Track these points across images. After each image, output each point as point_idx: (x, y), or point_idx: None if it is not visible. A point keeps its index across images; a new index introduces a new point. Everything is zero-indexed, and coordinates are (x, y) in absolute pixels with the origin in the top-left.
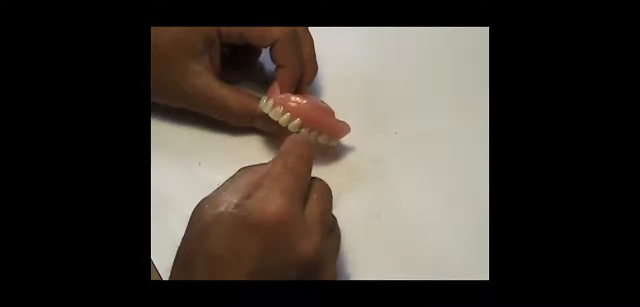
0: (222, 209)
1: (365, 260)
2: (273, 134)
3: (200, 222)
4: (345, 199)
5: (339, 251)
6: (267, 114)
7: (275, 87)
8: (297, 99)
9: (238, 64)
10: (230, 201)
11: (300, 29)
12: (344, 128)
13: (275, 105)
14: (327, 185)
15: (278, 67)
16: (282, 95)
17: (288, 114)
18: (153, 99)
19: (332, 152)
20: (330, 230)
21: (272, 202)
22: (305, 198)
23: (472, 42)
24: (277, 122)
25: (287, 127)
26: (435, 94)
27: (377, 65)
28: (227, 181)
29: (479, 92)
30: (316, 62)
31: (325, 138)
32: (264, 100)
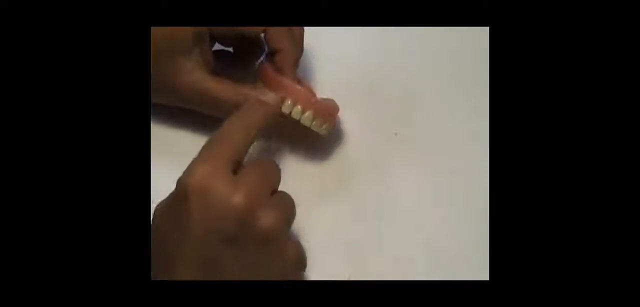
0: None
1: (365, 260)
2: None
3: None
4: (345, 199)
5: (286, 210)
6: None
7: (267, 68)
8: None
9: (240, 64)
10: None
11: None
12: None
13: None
14: (271, 162)
15: (275, 52)
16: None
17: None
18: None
19: (333, 151)
20: (274, 192)
21: (194, 170)
22: (237, 164)
23: (472, 42)
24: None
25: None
26: (435, 94)
27: (377, 65)
28: None
29: (479, 92)
30: (303, 44)
31: (327, 127)
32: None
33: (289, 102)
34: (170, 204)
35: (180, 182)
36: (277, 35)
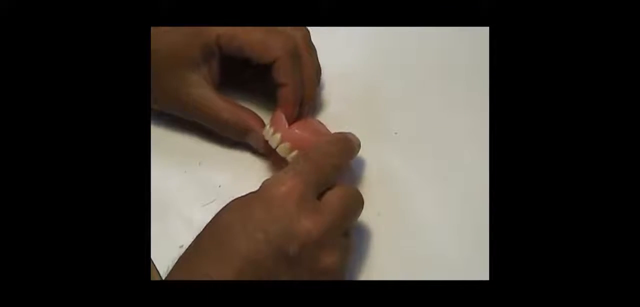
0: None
1: (365, 260)
2: (264, 153)
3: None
4: None
5: (348, 257)
6: (262, 135)
7: (279, 115)
8: (297, 130)
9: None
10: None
11: (302, 45)
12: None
13: (275, 132)
14: (358, 194)
15: (279, 85)
16: (287, 128)
17: (287, 143)
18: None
19: None
20: (346, 234)
21: (284, 180)
22: (323, 189)
23: (472, 42)
24: (268, 142)
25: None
26: (435, 94)
27: (377, 66)
28: None
29: (479, 92)
30: (316, 81)
31: None
32: (267, 127)
33: (271, 129)
34: (247, 200)
35: (266, 184)
36: (282, 69)
